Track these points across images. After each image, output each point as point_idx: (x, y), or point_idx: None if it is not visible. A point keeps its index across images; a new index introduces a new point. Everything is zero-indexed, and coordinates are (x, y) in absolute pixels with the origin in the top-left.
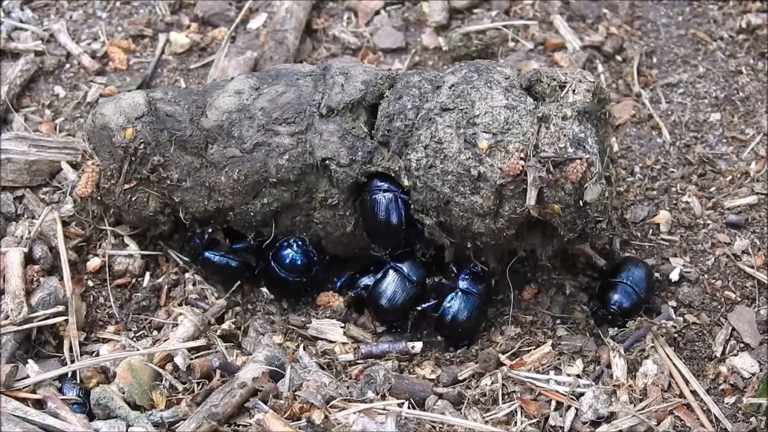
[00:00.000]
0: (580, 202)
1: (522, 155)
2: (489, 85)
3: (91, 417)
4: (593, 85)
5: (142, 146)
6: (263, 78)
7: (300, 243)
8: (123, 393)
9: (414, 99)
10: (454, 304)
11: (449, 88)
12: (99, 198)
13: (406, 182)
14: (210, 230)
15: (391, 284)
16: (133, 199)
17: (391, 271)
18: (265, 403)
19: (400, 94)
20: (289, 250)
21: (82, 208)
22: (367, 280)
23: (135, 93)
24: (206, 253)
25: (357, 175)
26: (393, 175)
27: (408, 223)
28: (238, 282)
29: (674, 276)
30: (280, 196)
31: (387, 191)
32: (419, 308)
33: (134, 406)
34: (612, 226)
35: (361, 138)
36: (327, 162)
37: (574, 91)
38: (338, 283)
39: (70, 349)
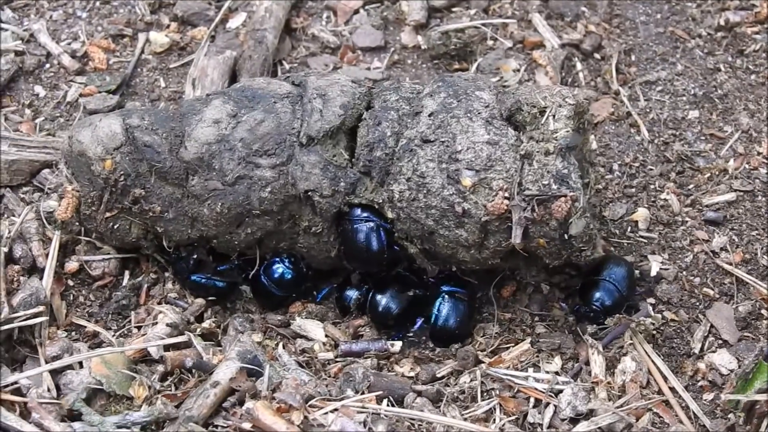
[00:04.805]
0: (565, 235)
1: (506, 194)
2: (469, 116)
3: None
4: (573, 108)
5: (122, 178)
6: (239, 101)
7: (291, 258)
8: (101, 385)
9: (393, 124)
10: (443, 309)
11: (428, 116)
12: (79, 222)
13: (390, 214)
14: (195, 255)
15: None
16: (115, 226)
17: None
18: (242, 404)
19: (378, 119)
20: (279, 265)
21: (62, 227)
22: (353, 294)
23: (111, 119)
24: (193, 277)
25: (340, 205)
26: (377, 207)
27: (389, 247)
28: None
29: (654, 271)
30: (263, 225)
31: (368, 221)
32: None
33: (115, 396)
34: (597, 251)
35: (343, 167)
36: (310, 194)
37: (554, 117)
38: (319, 296)
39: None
